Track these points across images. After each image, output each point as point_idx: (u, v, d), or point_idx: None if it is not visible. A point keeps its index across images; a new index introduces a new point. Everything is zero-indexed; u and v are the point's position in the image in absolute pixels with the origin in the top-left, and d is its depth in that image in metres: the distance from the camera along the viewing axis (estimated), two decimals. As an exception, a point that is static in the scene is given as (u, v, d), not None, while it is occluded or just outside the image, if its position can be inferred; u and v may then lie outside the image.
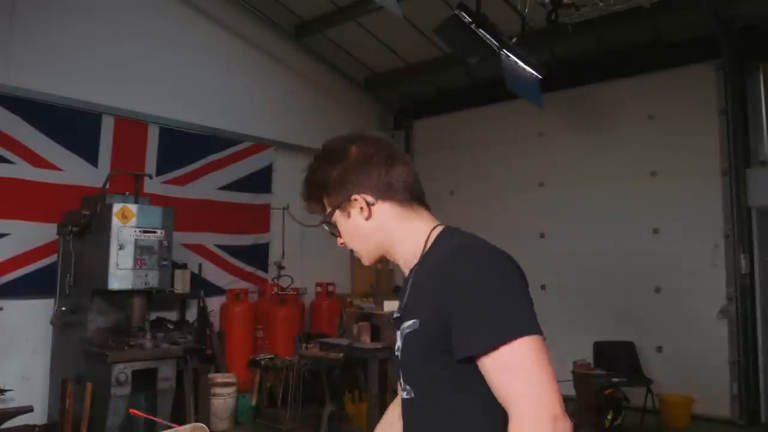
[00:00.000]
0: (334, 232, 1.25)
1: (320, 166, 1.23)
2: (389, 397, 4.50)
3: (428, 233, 1.20)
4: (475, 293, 1.02)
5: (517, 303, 1.01)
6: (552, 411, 0.92)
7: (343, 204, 1.21)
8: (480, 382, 1.01)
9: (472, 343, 1.00)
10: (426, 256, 1.17)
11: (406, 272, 1.21)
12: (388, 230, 1.20)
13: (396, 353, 1.19)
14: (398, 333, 1.17)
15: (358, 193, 1.19)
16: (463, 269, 1.05)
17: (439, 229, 1.20)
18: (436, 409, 1.09)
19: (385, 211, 1.19)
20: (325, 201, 1.24)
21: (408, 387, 1.14)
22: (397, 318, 1.18)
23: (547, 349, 0.99)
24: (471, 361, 1.01)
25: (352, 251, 1.27)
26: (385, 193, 1.18)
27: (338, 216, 1.23)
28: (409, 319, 1.11)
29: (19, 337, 4.94)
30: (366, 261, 1.26)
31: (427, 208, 1.24)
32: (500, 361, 0.97)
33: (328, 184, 1.21)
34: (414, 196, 1.21)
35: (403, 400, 1.18)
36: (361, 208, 1.19)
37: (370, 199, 1.19)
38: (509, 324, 0.98)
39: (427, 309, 1.08)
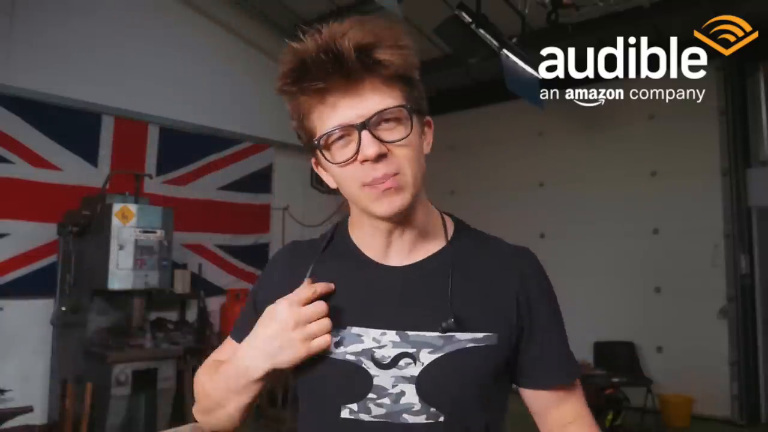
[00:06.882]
0: (404, 131, 0.84)
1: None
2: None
3: (438, 211, 0.97)
4: (559, 312, 0.98)
5: None
6: None
7: (424, 115, 0.90)
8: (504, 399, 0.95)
9: (572, 371, 0.98)
10: (460, 245, 0.92)
11: (407, 249, 0.90)
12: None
13: (411, 370, 0.86)
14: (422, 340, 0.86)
15: None
16: (545, 279, 0.97)
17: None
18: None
19: None
20: (404, 90, 0.87)
21: (433, 410, 0.85)
22: (447, 327, 0.84)
23: None
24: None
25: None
26: None
27: (414, 121, 0.86)
28: (475, 331, 0.86)
29: (19, 337, 4.93)
30: (407, 198, 0.85)
31: None
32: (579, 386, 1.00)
33: (417, 79, 0.89)
34: None
35: (411, 426, 0.86)
36: (428, 137, 0.93)
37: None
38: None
39: (504, 321, 0.89)
